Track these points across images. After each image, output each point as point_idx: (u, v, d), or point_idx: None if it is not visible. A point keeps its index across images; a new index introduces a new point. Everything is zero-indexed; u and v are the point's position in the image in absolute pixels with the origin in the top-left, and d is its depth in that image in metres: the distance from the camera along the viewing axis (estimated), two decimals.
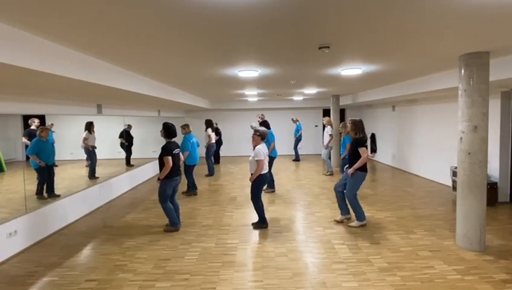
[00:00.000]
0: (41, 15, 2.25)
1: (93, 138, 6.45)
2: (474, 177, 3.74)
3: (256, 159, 4.45)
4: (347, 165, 4.73)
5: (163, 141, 4.66)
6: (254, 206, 4.68)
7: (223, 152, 11.91)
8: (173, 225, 4.62)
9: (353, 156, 4.57)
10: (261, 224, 4.69)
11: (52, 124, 5.47)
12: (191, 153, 6.44)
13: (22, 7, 2.10)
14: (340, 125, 6.85)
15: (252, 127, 6.91)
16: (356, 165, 4.48)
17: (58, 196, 4.95)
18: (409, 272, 3.30)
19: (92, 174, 6.31)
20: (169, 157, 4.41)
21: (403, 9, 2.31)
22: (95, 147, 6.47)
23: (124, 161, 7.88)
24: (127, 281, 3.22)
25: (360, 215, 4.66)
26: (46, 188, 4.92)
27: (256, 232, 4.55)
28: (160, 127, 4.73)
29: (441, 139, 7.32)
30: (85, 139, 6.39)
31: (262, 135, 4.69)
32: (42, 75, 2.94)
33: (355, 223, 4.68)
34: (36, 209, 4.38)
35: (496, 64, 3.91)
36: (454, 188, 6.22)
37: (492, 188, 5.54)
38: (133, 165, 7.98)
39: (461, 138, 3.81)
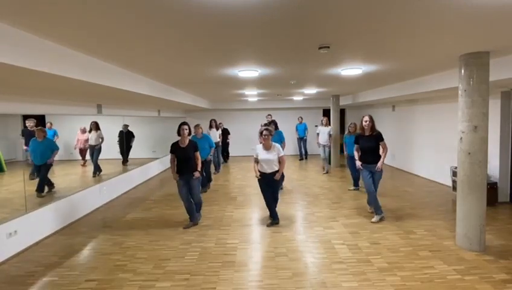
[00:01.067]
0: (41, 16, 2.25)
1: (96, 138, 6.57)
2: (474, 177, 3.74)
3: (280, 155, 4.60)
4: (359, 163, 4.93)
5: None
6: (277, 200, 4.85)
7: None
8: (194, 219, 4.86)
9: (375, 152, 4.80)
10: (277, 220, 4.85)
11: (51, 123, 5.48)
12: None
13: (22, 8, 2.10)
14: (352, 125, 6.74)
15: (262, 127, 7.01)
16: (384, 159, 4.77)
17: (42, 196, 5.00)
18: (409, 272, 3.30)
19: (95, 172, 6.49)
20: None
21: (402, 10, 2.31)
22: (95, 146, 6.55)
23: (124, 160, 7.95)
24: (127, 281, 3.22)
25: (380, 209, 4.88)
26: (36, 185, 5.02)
27: (257, 232, 4.55)
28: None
29: (441, 139, 7.32)
30: (87, 139, 6.55)
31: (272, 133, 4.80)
32: (42, 75, 2.94)
33: (377, 218, 4.84)
34: (36, 209, 4.38)
35: (496, 64, 3.91)
36: (454, 188, 6.22)
37: (492, 188, 5.53)
38: (127, 164, 8.03)
39: (461, 138, 3.81)
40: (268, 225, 4.74)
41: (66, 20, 2.38)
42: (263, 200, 4.87)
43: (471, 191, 3.76)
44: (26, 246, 4.08)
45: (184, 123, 4.73)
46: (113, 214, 5.56)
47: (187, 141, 4.70)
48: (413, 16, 2.44)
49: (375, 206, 4.88)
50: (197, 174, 4.70)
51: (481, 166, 3.72)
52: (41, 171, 5.06)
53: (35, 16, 2.27)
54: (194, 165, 4.71)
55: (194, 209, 4.83)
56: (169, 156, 4.83)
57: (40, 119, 5.70)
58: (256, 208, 5.68)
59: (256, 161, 4.68)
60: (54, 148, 5.23)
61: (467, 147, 3.75)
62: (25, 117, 4.87)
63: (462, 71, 3.77)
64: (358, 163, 4.95)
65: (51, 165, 5.23)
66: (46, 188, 5.15)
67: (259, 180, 4.69)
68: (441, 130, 7.33)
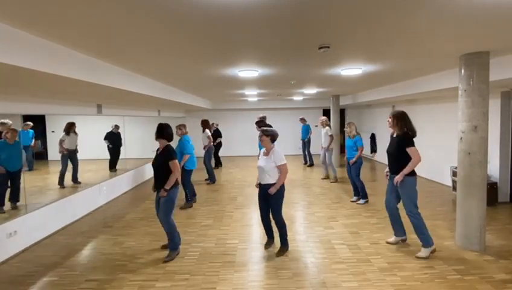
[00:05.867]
0: (41, 16, 2.25)
1: (73, 141, 5.95)
2: (474, 177, 3.73)
3: (279, 164, 3.63)
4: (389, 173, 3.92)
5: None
6: (279, 225, 3.78)
7: (222, 152, 10.85)
8: (174, 247, 3.80)
9: (398, 158, 3.68)
10: (286, 247, 3.84)
11: (29, 124, 4.95)
12: (191, 156, 5.75)
13: (22, 8, 2.10)
14: (346, 127, 6.18)
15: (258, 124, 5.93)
16: (406, 171, 3.56)
17: (15, 207, 4.32)
18: (409, 272, 3.30)
19: (75, 179, 5.95)
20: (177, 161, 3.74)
21: (403, 10, 2.31)
22: (76, 151, 5.97)
23: (108, 165, 7.31)
24: (127, 281, 3.22)
25: (428, 238, 3.62)
26: (9, 195, 4.35)
27: (257, 232, 4.55)
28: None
29: (440, 139, 7.32)
30: (61, 141, 5.83)
31: (272, 135, 3.76)
32: (42, 75, 2.94)
33: (423, 252, 3.61)
34: (36, 209, 4.37)
35: (496, 64, 3.90)
36: (454, 188, 6.22)
37: (492, 188, 5.53)
38: (116, 170, 7.33)
39: (461, 138, 3.81)
40: (266, 247, 3.96)
41: (66, 20, 2.38)
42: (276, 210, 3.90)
43: (471, 191, 3.76)
44: (26, 246, 4.08)
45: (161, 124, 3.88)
46: (113, 214, 5.55)
47: (162, 145, 3.81)
48: (413, 16, 2.44)
49: (398, 229, 3.95)
50: (163, 192, 3.62)
51: (481, 166, 3.72)
52: (14, 179, 4.40)
53: (35, 16, 2.27)
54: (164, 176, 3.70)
55: (175, 231, 3.79)
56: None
57: (40, 121, 5.67)
58: (256, 208, 5.66)
59: None
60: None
61: (467, 147, 3.75)
62: (25, 117, 4.87)
63: (462, 71, 3.77)
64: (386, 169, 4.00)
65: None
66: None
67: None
68: (440, 130, 7.33)
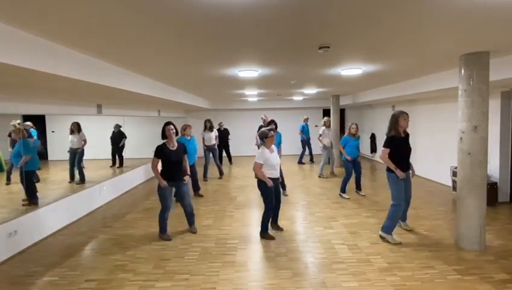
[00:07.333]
0: (41, 16, 2.26)
1: (78, 140, 6.24)
2: (474, 177, 3.73)
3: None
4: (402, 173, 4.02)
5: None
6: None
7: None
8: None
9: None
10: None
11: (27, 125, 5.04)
12: None
13: (22, 8, 2.10)
14: (354, 126, 6.33)
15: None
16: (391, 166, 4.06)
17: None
18: (409, 272, 3.30)
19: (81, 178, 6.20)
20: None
21: (403, 10, 2.31)
22: (76, 149, 6.24)
23: (118, 164, 7.80)
24: (127, 281, 3.22)
25: (392, 227, 4.12)
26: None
27: (256, 232, 4.54)
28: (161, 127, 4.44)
29: (441, 139, 7.32)
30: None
31: (260, 135, 4.28)
32: (42, 75, 2.94)
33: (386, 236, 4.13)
34: (36, 209, 4.37)
35: (496, 64, 3.90)
36: (454, 188, 6.22)
37: (492, 188, 5.53)
38: (112, 166, 7.75)
39: (461, 138, 3.81)
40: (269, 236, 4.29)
41: (66, 20, 2.39)
42: (262, 201, 4.31)
43: (471, 191, 3.76)
44: (26, 246, 4.07)
45: (169, 123, 4.33)
46: (113, 214, 5.55)
47: (176, 143, 4.35)
48: (413, 16, 2.44)
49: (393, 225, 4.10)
50: (187, 178, 4.39)
51: (481, 166, 3.72)
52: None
53: (35, 16, 2.27)
54: (184, 169, 4.40)
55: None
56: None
57: (40, 121, 5.68)
58: (257, 208, 5.68)
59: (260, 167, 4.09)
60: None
61: (467, 147, 3.75)
62: (25, 117, 4.87)
63: (462, 71, 3.77)
64: (401, 174, 3.94)
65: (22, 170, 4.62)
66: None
67: (270, 189, 4.13)
68: (441, 130, 7.33)
